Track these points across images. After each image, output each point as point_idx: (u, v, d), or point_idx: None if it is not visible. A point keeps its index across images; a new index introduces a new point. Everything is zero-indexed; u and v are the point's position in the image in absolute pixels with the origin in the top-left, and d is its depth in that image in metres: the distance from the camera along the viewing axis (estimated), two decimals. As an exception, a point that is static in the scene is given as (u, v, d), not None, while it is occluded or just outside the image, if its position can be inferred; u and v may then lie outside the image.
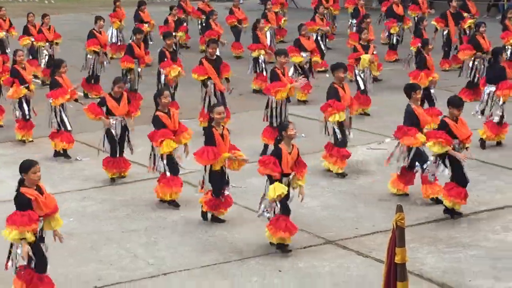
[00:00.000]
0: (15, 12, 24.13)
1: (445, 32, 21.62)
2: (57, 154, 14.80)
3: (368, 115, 17.06)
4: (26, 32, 21.17)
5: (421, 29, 20.17)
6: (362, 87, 17.02)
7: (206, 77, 15.33)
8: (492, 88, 14.87)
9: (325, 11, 23.45)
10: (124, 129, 13.47)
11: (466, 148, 11.69)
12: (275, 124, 14.15)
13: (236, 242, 11.03)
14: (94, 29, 19.62)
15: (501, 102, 14.71)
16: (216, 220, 11.66)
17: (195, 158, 11.40)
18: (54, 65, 15.12)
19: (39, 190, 9.16)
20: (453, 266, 10.14)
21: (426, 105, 15.51)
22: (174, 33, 21.67)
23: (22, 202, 9.04)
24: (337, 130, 13.36)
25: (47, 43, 20.82)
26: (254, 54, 19.61)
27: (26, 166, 9.13)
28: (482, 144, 14.79)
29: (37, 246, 9.12)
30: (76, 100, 14.81)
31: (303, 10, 27.15)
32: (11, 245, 9.18)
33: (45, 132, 15.26)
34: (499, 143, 14.97)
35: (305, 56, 18.40)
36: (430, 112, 14.30)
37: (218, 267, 10.28)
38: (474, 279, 9.77)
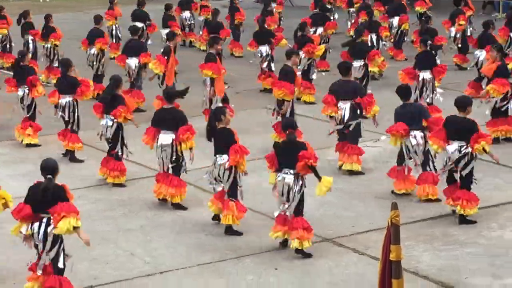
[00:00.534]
0: (12, 11, 24.07)
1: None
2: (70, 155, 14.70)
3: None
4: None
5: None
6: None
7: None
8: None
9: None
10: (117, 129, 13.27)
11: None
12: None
13: (232, 240, 11.02)
14: (96, 27, 19.60)
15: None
16: (218, 219, 11.57)
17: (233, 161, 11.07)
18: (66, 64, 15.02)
19: None
20: (450, 263, 10.13)
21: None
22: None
23: (64, 195, 9.05)
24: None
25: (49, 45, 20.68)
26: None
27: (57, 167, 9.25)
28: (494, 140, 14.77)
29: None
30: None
31: (299, 8, 27.13)
32: (57, 241, 9.08)
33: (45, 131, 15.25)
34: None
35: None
36: (430, 110, 14.34)
37: (214, 265, 10.27)
38: (471, 276, 9.76)
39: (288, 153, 10.46)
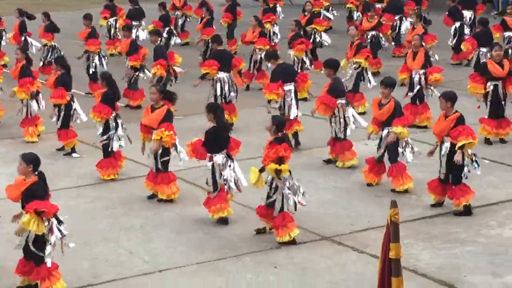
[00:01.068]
0: (10, 9, 24.00)
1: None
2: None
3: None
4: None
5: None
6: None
7: None
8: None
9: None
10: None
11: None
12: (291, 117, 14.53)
13: (231, 238, 11.02)
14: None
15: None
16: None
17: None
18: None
19: None
20: (449, 262, 10.13)
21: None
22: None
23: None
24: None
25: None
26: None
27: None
28: (487, 141, 14.78)
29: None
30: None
31: (297, 7, 27.09)
32: None
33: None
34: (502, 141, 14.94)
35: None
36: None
37: (213, 264, 10.27)
38: (471, 275, 9.76)
39: None
